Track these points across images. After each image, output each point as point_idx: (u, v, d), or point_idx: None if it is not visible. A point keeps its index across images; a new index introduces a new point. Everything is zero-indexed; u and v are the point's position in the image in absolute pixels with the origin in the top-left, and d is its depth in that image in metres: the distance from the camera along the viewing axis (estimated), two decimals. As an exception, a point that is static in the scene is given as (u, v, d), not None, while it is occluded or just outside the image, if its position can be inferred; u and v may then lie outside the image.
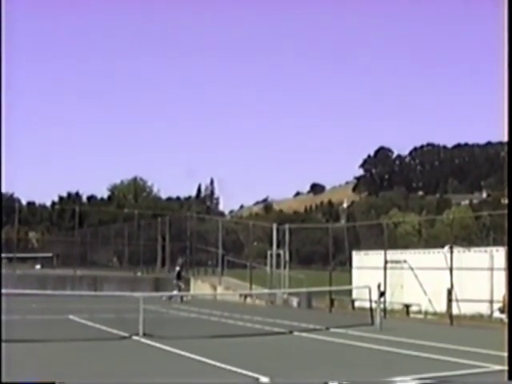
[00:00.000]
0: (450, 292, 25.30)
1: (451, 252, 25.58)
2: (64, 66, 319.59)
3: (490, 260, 27.17)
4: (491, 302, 26.23)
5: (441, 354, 15.11)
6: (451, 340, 18.08)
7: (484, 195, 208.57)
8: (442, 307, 26.14)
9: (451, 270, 24.87)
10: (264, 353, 15.67)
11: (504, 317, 24.53)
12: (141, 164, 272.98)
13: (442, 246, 29.50)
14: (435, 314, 26.98)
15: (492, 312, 26.27)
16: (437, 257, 27.87)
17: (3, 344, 7.35)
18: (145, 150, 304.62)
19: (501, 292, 25.41)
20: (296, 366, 13.41)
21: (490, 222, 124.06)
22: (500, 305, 24.73)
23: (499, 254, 27.59)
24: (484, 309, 26.39)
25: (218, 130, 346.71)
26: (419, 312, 28.18)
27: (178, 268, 38.36)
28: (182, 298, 35.58)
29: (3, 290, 18.25)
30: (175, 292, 35.23)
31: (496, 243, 37.54)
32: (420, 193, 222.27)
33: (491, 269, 26.71)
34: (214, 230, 51.81)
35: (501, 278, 26.55)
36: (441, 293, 25.81)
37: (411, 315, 28.10)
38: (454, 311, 25.10)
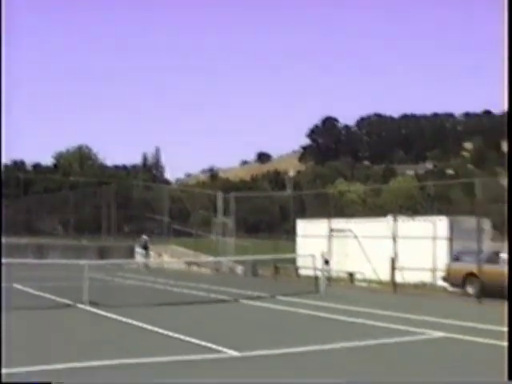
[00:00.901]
0: (393, 260, 25.68)
1: (395, 221, 25.91)
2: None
3: (434, 229, 27.62)
4: (434, 270, 26.74)
5: (383, 321, 15.36)
6: (394, 307, 18.38)
7: (429, 166, 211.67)
8: (385, 275, 26.51)
9: (395, 238, 25.22)
10: (210, 320, 15.69)
11: (447, 285, 25.07)
12: (86, 132, 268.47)
13: (387, 215, 29.87)
14: (379, 282, 27.39)
15: (435, 280, 26.77)
16: (381, 225, 28.19)
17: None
18: (90, 119, 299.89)
19: (443, 260, 25.92)
20: (242, 334, 13.47)
21: (435, 192, 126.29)
22: (443, 273, 25.20)
23: (442, 223, 28.10)
24: (427, 277, 26.88)
25: (164, 98, 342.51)
26: (363, 280, 28.59)
27: (144, 237, 38.82)
28: (146, 265, 36.02)
29: None
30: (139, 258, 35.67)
31: (440, 213, 38.12)
32: (366, 162, 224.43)
33: (434, 238, 27.17)
34: (160, 198, 51.56)
35: (443, 246, 27.08)
36: (385, 261, 26.15)
37: (355, 283, 28.52)
38: (398, 279, 25.52)
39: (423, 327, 14.35)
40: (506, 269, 22.28)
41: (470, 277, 23.13)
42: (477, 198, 24.28)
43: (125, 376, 8.84)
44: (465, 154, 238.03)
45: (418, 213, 57.76)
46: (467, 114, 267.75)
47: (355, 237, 29.95)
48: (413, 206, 72.07)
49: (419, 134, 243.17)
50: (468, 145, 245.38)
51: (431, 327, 14.36)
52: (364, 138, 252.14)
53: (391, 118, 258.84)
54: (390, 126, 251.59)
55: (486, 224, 28.56)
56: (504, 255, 22.96)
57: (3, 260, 20.26)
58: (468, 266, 23.26)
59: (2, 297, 17.09)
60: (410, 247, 26.02)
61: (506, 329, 14.57)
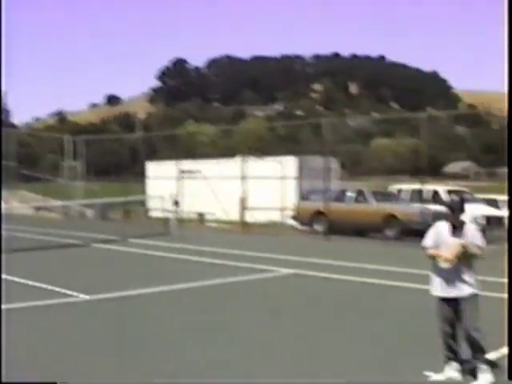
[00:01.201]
0: (243, 200, 25.84)
1: (244, 162, 25.99)
2: None
3: (282, 169, 27.98)
4: (283, 209, 27.20)
5: (234, 260, 15.41)
6: (244, 247, 18.52)
7: (279, 107, 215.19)
8: (235, 215, 26.66)
9: (244, 178, 25.33)
10: (61, 265, 15.12)
11: (296, 223, 25.59)
12: None
13: (236, 156, 29.93)
14: (229, 222, 27.54)
15: (284, 219, 27.26)
16: (231, 166, 28.21)
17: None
18: None
19: (292, 199, 26.37)
20: (93, 277, 13.06)
21: (284, 133, 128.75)
22: (292, 212, 25.67)
23: (291, 163, 28.51)
24: (276, 216, 27.31)
25: (9, 39, 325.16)
26: (214, 220, 28.66)
27: None
28: None
29: None
30: None
31: (289, 153, 38.61)
32: (216, 104, 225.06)
33: (283, 177, 27.55)
34: (7, 143, 49.07)
35: (292, 186, 27.55)
36: (235, 201, 26.27)
37: (206, 224, 28.54)
38: (248, 219, 25.74)
39: (272, 265, 14.50)
40: (352, 206, 23.06)
41: (317, 215, 23.70)
42: (324, 139, 24.73)
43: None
44: (314, 95, 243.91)
45: (267, 154, 58.66)
46: (316, 56, 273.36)
47: (205, 178, 29.85)
48: (262, 147, 73.07)
49: (269, 75, 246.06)
50: (317, 86, 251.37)
51: (280, 265, 14.55)
52: (214, 80, 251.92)
53: (241, 60, 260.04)
54: (239, 68, 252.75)
55: (334, 163, 29.33)
56: (350, 194, 23.71)
57: None
58: (316, 204, 23.79)
59: None
60: (259, 187, 26.23)
61: (353, 264, 15.06)
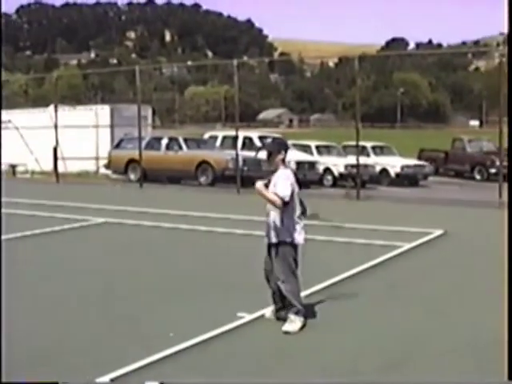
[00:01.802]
0: (55, 150, 25.25)
1: (56, 111, 25.34)
2: None
3: (96, 118, 27.60)
4: (97, 158, 26.93)
5: (47, 210, 15.17)
6: (58, 197, 18.21)
7: (92, 55, 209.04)
8: (49, 166, 26.01)
9: (56, 128, 24.73)
10: None
11: (109, 172, 25.48)
12: None
13: (49, 106, 29.07)
14: (42, 172, 26.86)
15: (98, 168, 27.02)
16: (43, 116, 27.37)
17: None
18: None
19: (106, 148, 26.15)
20: None
21: (99, 81, 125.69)
22: (105, 161, 25.48)
23: (104, 111, 28.19)
24: (91, 166, 27.01)
25: None
26: (26, 172, 27.81)
27: None
28: None
29: None
30: None
31: (104, 102, 38.03)
32: (27, 52, 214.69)
33: (97, 126, 27.19)
34: None
35: (105, 134, 27.29)
36: (48, 151, 25.59)
37: (18, 175, 27.63)
38: (61, 169, 25.23)
39: (86, 214, 14.47)
40: (166, 154, 23.31)
41: (131, 163, 23.72)
42: (137, 86, 24.62)
43: None
44: (128, 43, 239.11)
45: (81, 103, 57.27)
46: (130, 4, 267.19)
47: (16, 128, 28.75)
48: (76, 96, 71.09)
49: (82, 22, 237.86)
50: (131, 34, 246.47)
51: (94, 214, 14.55)
52: (25, 27, 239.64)
53: (53, 7, 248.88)
54: (51, 15, 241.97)
55: (148, 111, 29.34)
56: (164, 141, 23.91)
57: None
58: (129, 152, 23.76)
59: None
60: (72, 137, 25.69)
61: (165, 211, 15.36)
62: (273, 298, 6.67)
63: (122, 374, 5.22)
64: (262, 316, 6.78)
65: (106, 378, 5.11)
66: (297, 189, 6.55)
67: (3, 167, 27.46)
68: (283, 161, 6.53)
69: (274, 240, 6.48)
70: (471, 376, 5.17)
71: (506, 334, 5.21)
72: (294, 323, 6.43)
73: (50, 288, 8.20)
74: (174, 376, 5.24)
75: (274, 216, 6.46)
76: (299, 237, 6.57)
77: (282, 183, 6.35)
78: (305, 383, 5.14)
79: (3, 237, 10.77)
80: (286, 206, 6.37)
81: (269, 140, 5.95)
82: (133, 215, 14.52)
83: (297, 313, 6.46)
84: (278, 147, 6.59)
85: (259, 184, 6.40)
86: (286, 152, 6.57)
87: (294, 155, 23.64)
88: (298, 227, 6.57)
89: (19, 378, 5.06)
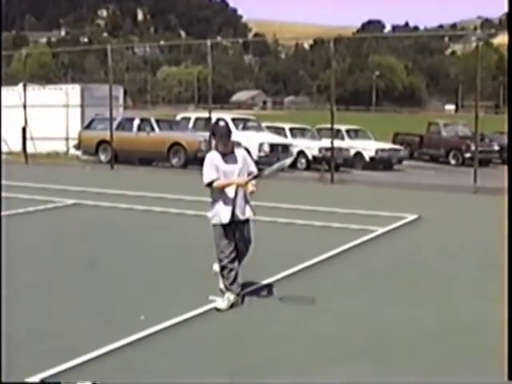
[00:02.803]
0: (24, 130, 24.77)
1: (25, 90, 24.82)
2: None
3: (66, 97, 27.13)
4: (67, 139, 26.48)
5: (15, 192, 14.82)
6: (26, 178, 17.80)
7: (62, 33, 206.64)
8: (17, 146, 25.54)
9: (25, 107, 24.23)
10: None
11: (79, 153, 25.08)
12: None
13: (18, 85, 28.50)
14: (11, 153, 26.34)
15: (68, 149, 26.59)
16: (11, 95, 26.79)
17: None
18: None
19: (76, 129, 25.73)
20: None
21: (69, 60, 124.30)
22: (75, 142, 25.07)
23: (75, 91, 27.72)
24: (60, 146, 26.57)
25: None
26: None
27: None
28: None
29: None
30: None
31: (74, 81, 37.46)
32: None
33: (67, 106, 26.73)
34: None
35: (75, 114, 26.84)
36: (16, 132, 25.10)
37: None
38: (30, 150, 24.77)
39: (55, 195, 14.17)
40: (137, 135, 22.97)
41: (102, 144, 23.34)
42: (109, 66, 24.19)
43: None
44: (100, 21, 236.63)
45: (51, 82, 56.48)
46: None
47: (-17, 107, 28.13)
48: (46, 75, 70.03)
49: (52, 0, 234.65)
50: (103, 12, 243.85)
51: (63, 195, 14.26)
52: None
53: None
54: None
55: (119, 91, 28.88)
56: (135, 122, 23.55)
57: None
58: (100, 133, 23.37)
59: None
60: (42, 117, 25.21)
61: (136, 193, 15.10)
62: (235, 279, 6.66)
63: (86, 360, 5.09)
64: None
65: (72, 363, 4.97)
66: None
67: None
68: (221, 143, 6.62)
69: (248, 215, 6.72)
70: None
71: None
72: (222, 301, 6.59)
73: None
74: (138, 361, 5.12)
75: (242, 194, 6.64)
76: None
77: (251, 161, 6.81)
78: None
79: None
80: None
81: (220, 122, 5.91)
82: (104, 197, 14.25)
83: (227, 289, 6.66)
84: (228, 130, 6.64)
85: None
86: (214, 135, 6.66)
87: (267, 137, 23.47)
88: None
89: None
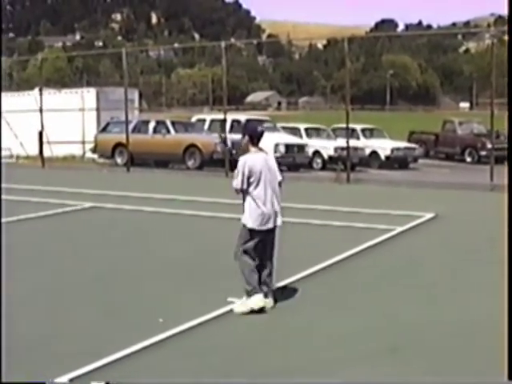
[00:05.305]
0: (41, 134, 24.93)
1: (41, 94, 24.98)
2: None
3: (82, 101, 27.25)
4: (83, 142, 26.60)
5: (35, 195, 14.93)
6: (44, 182, 17.95)
7: (77, 37, 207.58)
8: (34, 150, 25.69)
9: (41, 111, 24.39)
10: None
11: (96, 156, 25.19)
12: None
13: (33, 89, 28.67)
14: (28, 157, 26.52)
15: (84, 152, 26.71)
16: (27, 99, 26.99)
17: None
18: None
19: (92, 132, 25.84)
20: None
21: (84, 64, 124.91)
22: (92, 145, 25.18)
23: (90, 94, 27.82)
24: (77, 150, 26.68)
25: None
26: (11, 156, 27.42)
27: None
28: None
29: None
30: None
31: (89, 85, 37.67)
32: (11, 34, 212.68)
33: (83, 110, 26.86)
34: None
35: (91, 118, 26.94)
36: (33, 136, 25.26)
37: (3, 160, 27.20)
38: (47, 153, 24.92)
39: (73, 199, 14.25)
40: (153, 137, 23.04)
41: (118, 147, 23.41)
42: (124, 69, 24.30)
43: None
44: (114, 25, 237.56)
45: (66, 86, 56.77)
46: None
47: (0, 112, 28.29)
48: (61, 79, 70.39)
49: (67, 4, 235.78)
50: (117, 16, 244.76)
51: (81, 198, 14.33)
52: (8, 9, 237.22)
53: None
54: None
55: (134, 94, 28.98)
56: (151, 124, 23.61)
57: None
58: (116, 136, 23.45)
59: None
60: (58, 121, 25.35)
61: (154, 195, 15.16)
62: (264, 283, 6.58)
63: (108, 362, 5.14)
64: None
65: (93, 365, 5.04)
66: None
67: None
68: (252, 145, 6.53)
69: (278, 222, 6.61)
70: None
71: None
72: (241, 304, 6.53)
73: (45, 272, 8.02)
74: (158, 363, 5.13)
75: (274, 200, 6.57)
76: None
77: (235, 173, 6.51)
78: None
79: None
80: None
81: (254, 123, 5.81)
82: (120, 199, 14.33)
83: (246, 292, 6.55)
84: (243, 131, 6.62)
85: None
86: (251, 136, 6.53)
87: (283, 138, 23.46)
88: None
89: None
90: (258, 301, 6.40)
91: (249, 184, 6.39)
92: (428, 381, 5.04)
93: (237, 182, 6.42)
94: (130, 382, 4.94)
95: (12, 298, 6.92)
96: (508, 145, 16.38)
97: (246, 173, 6.36)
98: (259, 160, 6.46)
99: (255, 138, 6.52)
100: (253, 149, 6.52)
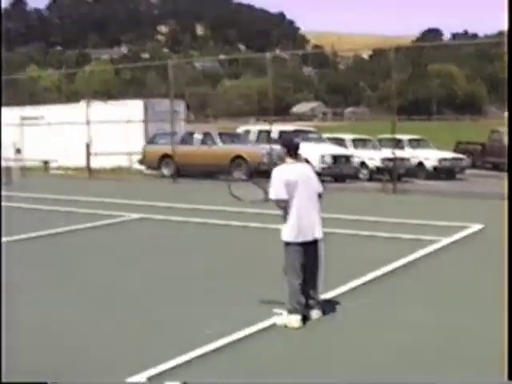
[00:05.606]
0: (88, 146, 25.28)
1: (89, 106, 25.36)
2: None
3: (128, 113, 27.55)
4: (130, 154, 26.88)
5: (83, 207, 15.14)
6: (91, 193, 18.19)
7: (124, 50, 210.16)
8: (81, 162, 26.04)
9: (89, 123, 24.75)
10: None
11: (144, 168, 25.45)
12: None
13: (80, 101, 29.12)
14: (75, 168, 26.90)
15: (131, 164, 26.98)
16: (75, 111, 27.41)
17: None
18: None
19: (139, 144, 26.10)
20: None
21: (130, 76, 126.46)
22: (138, 156, 25.44)
23: (137, 106, 28.11)
24: (124, 161, 26.97)
25: None
26: (59, 168, 27.88)
27: None
28: None
29: None
30: None
31: (136, 97, 38.01)
32: (59, 48, 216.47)
33: (129, 121, 27.14)
34: None
35: (139, 129, 27.24)
36: (80, 147, 25.62)
37: (51, 171, 27.70)
38: (94, 165, 25.25)
39: (121, 210, 14.41)
40: (199, 148, 23.18)
41: (164, 158, 23.63)
42: (170, 81, 24.55)
43: None
44: (160, 37, 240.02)
45: (113, 98, 57.47)
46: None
47: (49, 124, 28.86)
48: (108, 91, 71.34)
49: (113, 17, 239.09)
50: (163, 28, 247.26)
51: (128, 209, 14.49)
52: (56, 22, 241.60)
53: (85, 2, 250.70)
54: (83, 10, 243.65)
55: (181, 106, 29.24)
56: (197, 136, 23.79)
57: None
58: (163, 147, 23.68)
59: None
60: (105, 132, 25.69)
61: (200, 206, 15.24)
62: (310, 296, 6.58)
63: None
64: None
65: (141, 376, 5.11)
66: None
67: (36, 163, 27.61)
68: (289, 156, 6.57)
69: (319, 235, 6.55)
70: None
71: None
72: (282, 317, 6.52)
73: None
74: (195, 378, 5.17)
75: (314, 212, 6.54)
76: None
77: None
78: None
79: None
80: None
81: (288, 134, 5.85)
82: (168, 211, 14.43)
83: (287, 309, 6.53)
84: (281, 141, 6.74)
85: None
86: (287, 147, 6.59)
87: (329, 149, 23.40)
88: None
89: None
90: (293, 322, 6.39)
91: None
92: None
93: (271, 193, 6.49)
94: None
95: (66, 309, 7.03)
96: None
97: (279, 183, 6.39)
98: (294, 171, 6.48)
99: (291, 150, 6.57)
100: (289, 160, 6.57)
